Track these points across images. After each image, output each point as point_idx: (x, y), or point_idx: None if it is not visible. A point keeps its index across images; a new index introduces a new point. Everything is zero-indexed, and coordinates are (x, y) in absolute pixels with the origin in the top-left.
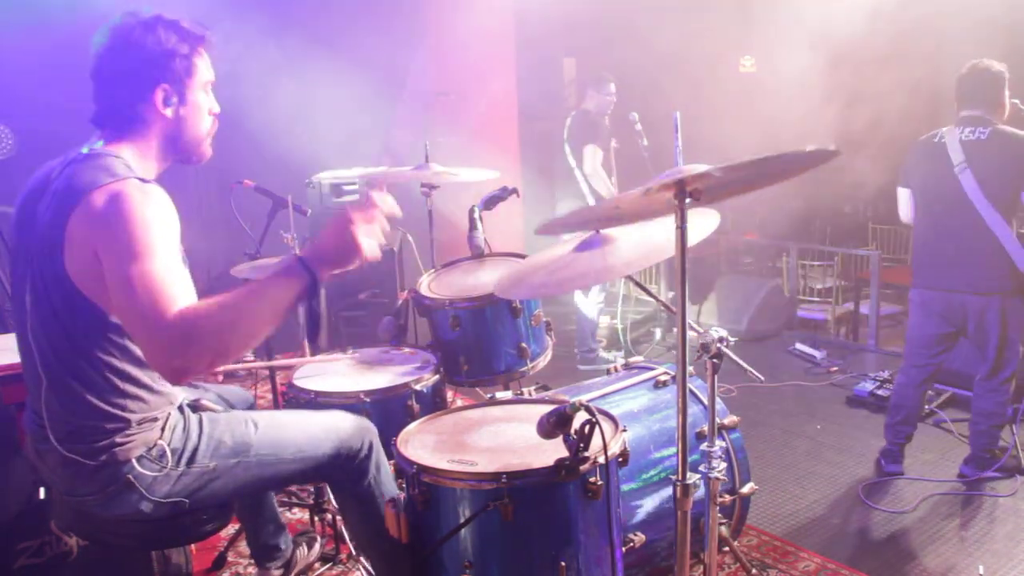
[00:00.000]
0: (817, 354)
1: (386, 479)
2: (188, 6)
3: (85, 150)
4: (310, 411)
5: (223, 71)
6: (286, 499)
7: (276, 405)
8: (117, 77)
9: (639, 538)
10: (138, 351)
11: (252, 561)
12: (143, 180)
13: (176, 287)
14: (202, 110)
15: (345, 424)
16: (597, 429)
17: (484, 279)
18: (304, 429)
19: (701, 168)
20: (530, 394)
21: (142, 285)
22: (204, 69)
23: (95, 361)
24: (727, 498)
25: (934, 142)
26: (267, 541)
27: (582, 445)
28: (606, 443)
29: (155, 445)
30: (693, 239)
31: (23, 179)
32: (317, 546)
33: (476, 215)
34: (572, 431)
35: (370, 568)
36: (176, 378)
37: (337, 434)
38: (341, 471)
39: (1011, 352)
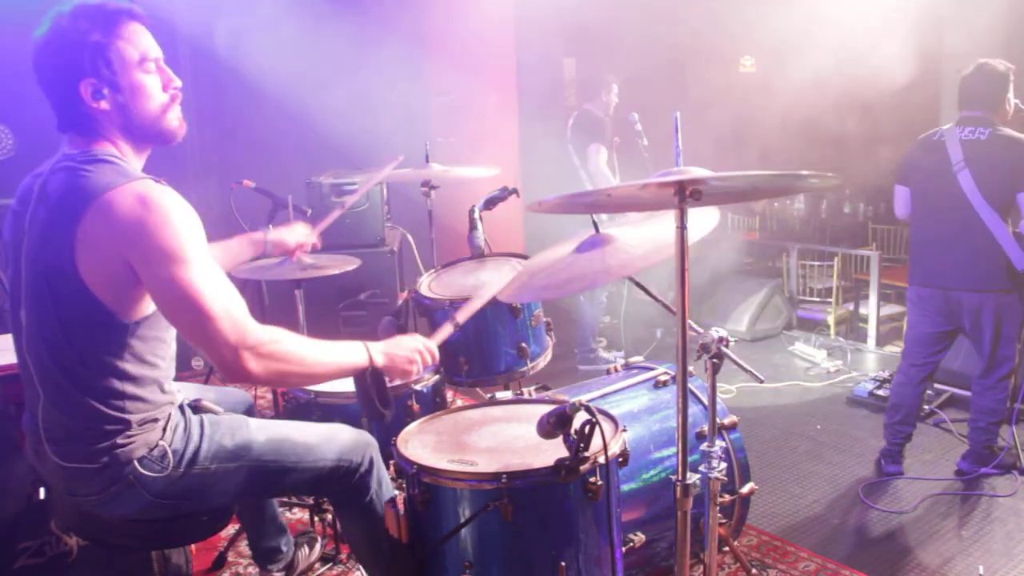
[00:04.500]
0: (817, 354)
1: (387, 492)
2: (186, 4)
3: (69, 151)
4: (311, 423)
5: (223, 70)
6: (286, 499)
7: (276, 405)
8: (49, 83)
9: (639, 538)
10: (143, 350)
11: (252, 561)
12: (156, 180)
13: (237, 294)
14: (145, 90)
15: (346, 437)
16: (597, 429)
17: (484, 279)
18: (305, 438)
19: (698, 173)
20: (530, 394)
21: (210, 291)
22: (133, 48)
23: (97, 363)
24: (727, 498)
25: (933, 140)
26: (269, 543)
27: (582, 445)
28: (606, 443)
29: (156, 446)
30: (693, 237)
31: (23, 179)
32: (318, 546)
33: (476, 215)
34: (572, 431)
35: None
36: (238, 379)
37: (338, 446)
38: (342, 485)
39: (1007, 349)
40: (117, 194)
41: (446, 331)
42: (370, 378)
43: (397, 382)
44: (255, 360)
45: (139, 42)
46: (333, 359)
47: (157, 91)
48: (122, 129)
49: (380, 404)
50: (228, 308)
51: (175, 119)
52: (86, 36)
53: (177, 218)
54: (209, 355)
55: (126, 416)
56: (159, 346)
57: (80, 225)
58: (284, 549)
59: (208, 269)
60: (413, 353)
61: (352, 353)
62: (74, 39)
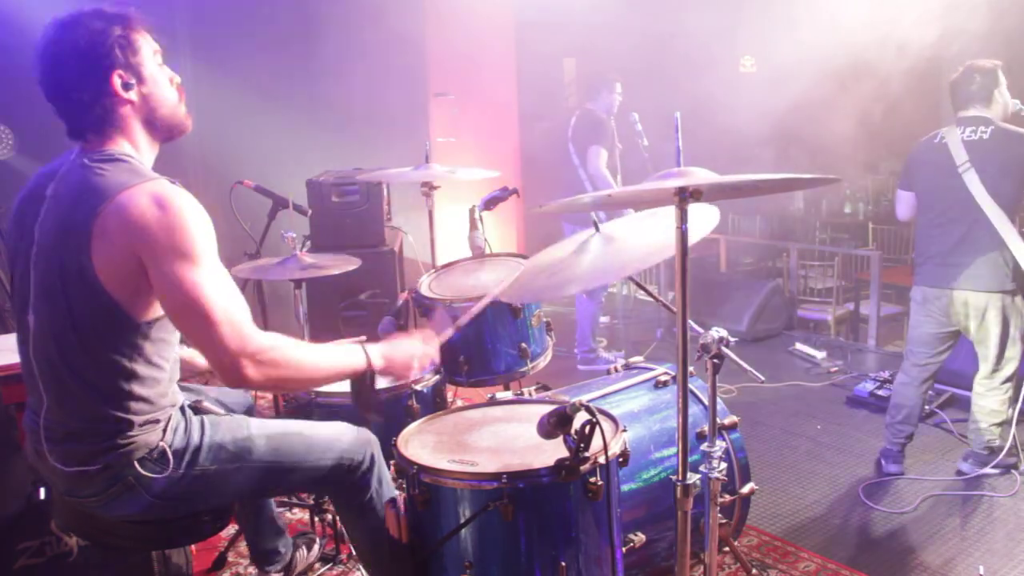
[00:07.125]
0: (817, 354)
1: (387, 491)
2: (187, 4)
3: (82, 151)
4: (312, 421)
5: (223, 69)
6: (286, 500)
7: (276, 406)
8: (71, 85)
9: (639, 538)
10: (151, 351)
11: (252, 562)
12: (172, 181)
13: (241, 297)
14: (162, 82)
15: (347, 435)
16: (597, 429)
17: (484, 279)
18: (306, 438)
19: (699, 176)
20: (530, 394)
21: (215, 296)
22: (146, 42)
23: (105, 362)
24: (727, 498)
25: (935, 142)
26: (266, 545)
27: (582, 445)
28: (606, 443)
29: (156, 447)
30: (692, 237)
31: (23, 179)
32: (316, 547)
33: (476, 215)
34: (572, 431)
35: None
36: (236, 384)
37: (339, 445)
38: (342, 484)
39: (1012, 351)
40: (134, 193)
41: (446, 332)
42: (362, 381)
43: (397, 382)
44: (254, 367)
45: (147, 37)
46: (331, 364)
47: (169, 84)
48: (144, 122)
49: (367, 408)
50: (230, 314)
51: (185, 113)
52: (110, 30)
53: (191, 220)
54: (209, 359)
55: (129, 417)
56: (165, 348)
57: (96, 222)
58: (282, 551)
59: (216, 273)
60: (411, 358)
61: (350, 357)
62: (101, 33)
